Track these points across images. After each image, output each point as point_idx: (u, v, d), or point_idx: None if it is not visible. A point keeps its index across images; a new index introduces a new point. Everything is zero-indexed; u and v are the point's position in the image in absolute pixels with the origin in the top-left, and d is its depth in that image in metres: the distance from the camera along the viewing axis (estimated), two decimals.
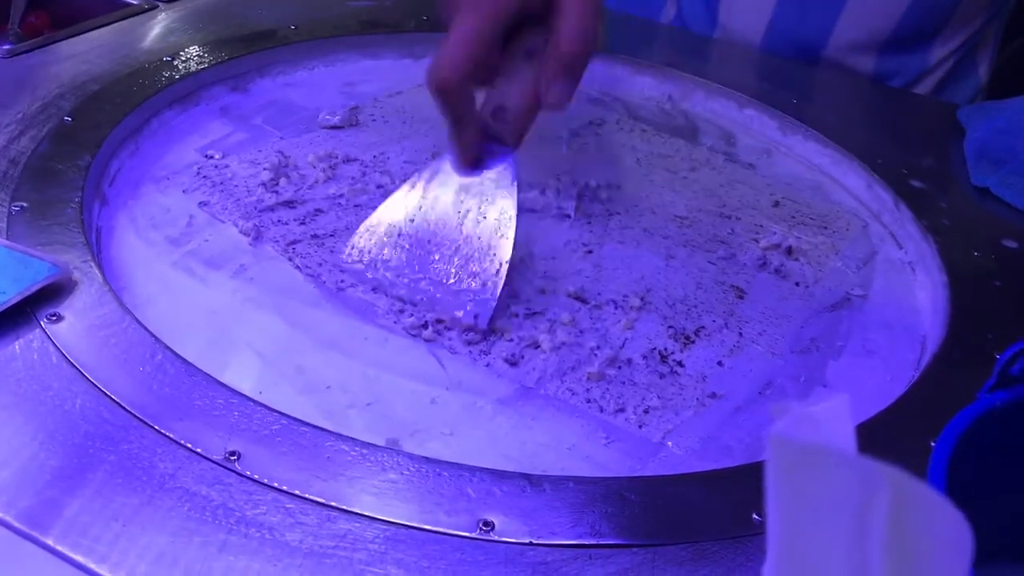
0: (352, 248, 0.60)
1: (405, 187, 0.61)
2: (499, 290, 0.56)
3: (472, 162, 0.58)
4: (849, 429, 0.20)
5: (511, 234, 0.57)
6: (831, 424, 0.19)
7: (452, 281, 0.57)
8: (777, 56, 0.94)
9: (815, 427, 0.19)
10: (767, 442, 0.18)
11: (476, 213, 0.58)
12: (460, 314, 0.56)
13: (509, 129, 0.57)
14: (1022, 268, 0.65)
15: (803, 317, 0.61)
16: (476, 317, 0.56)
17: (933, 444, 0.33)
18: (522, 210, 0.68)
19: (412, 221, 0.59)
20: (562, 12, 0.51)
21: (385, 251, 0.59)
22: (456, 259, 0.57)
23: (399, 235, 0.59)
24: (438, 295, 0.57)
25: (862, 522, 0.17)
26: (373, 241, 0.59)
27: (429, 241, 0.58)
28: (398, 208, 0.60)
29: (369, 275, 0.59)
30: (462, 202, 0.59)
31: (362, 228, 0.60)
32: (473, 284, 0.56)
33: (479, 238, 0.57)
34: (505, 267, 0.56)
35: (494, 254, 0.57)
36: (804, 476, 0.18)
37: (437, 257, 0.57)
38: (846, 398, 0.20)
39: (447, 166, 0.60)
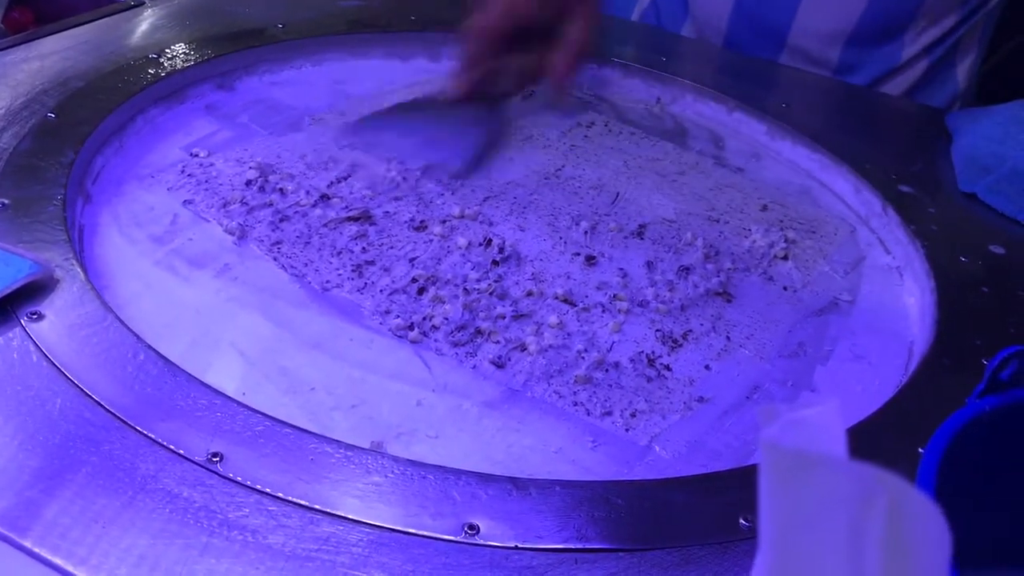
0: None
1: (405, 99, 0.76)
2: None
3: (463, 95, 0.71)
4: (840, 434, 0.19)
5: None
6: (822, 429, 0.19)
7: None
8: (743, 44, 0.94)
9: (806, 432, 0.18)
10: (760, 447, 0.18)
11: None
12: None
13: (510, 83, 0.72)
14: (1010, 274, 0.65)
15: (791, 321, 0.61)
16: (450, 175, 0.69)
17: (922, 450, 0.33)
18: (511, 211, 0.67)
19: (411, 118, 0.74)
20: (574, 18, 0.65)
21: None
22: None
23: (400, 123, 0.74)
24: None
25: (857, 528, 0.17)
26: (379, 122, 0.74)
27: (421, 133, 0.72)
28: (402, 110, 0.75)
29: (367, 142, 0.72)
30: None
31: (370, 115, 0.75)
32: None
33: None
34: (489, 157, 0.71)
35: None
36: (798, 481, 0.17)
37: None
38: (836, 403, 0.20)
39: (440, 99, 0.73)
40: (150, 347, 0.48)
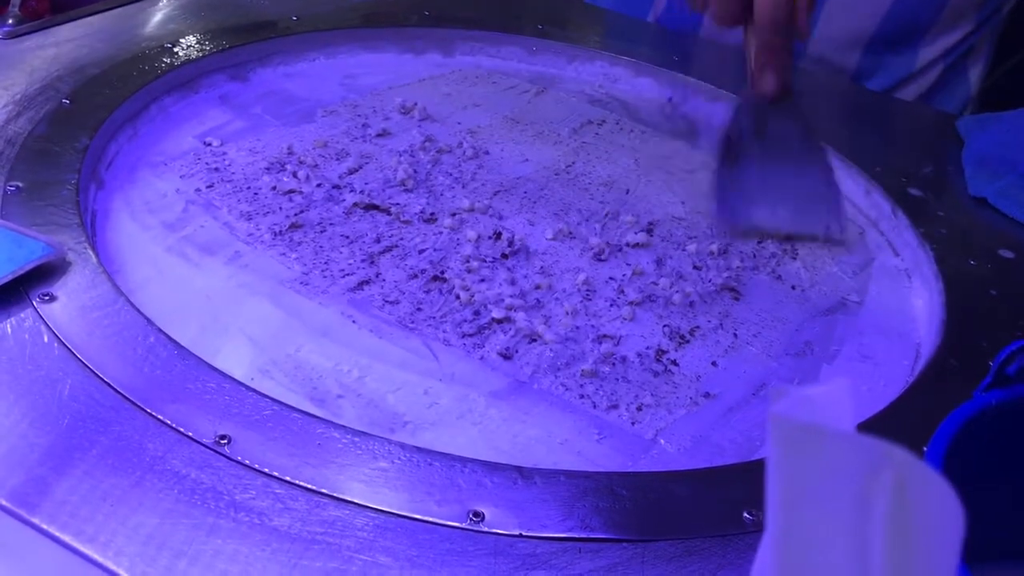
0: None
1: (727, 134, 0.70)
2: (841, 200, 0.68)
3: (779, 89, 0.66)
4: (849, 411, 0.19)
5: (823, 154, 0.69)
6: (831, 406, 0.19)
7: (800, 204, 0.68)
8: None
9: (815, 408, 0.19)
10: (769, 421, 0.18)
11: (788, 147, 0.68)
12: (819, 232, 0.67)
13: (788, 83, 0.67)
14: (1018, 278, 0.65)
15: (798, 320, 0.61)
16: (830, 228, 0.67)
17: (926, 449, 0.33)
18: (521, 205, 0.68)
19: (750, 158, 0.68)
20: None
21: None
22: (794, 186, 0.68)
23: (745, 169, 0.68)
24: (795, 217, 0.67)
25: (864, 501, 0.17)
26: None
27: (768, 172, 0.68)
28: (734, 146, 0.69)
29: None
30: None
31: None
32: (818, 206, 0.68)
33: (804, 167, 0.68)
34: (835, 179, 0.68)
35: (820, 174, 0.68)
36: (805, 455, 0.18)
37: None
38: (846, 381, 0.20)
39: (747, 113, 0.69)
40: (160, 330, 0.48)
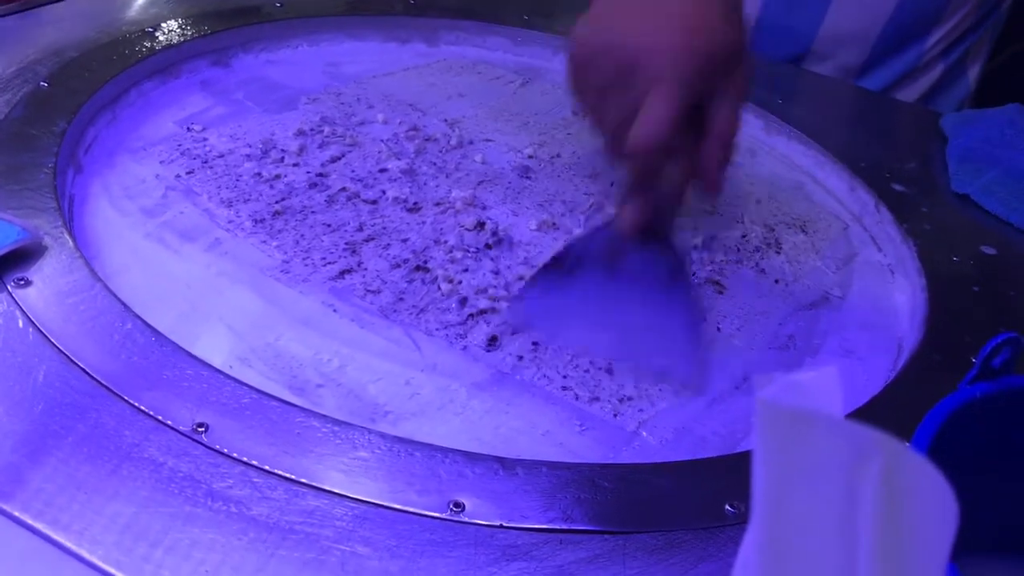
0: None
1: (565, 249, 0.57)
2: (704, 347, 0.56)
3: (637, 227, 0.55)
4: (838, 398, 0.19)
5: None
6: (819, 393, 0.18)
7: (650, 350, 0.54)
8: (767, 50, 0.94)
9: (803, 395, 0.18)
10: (756, 408, 0.18)
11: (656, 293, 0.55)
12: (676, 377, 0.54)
13: (671, 198, 0.55)
14: (1001, 274, 0.65)
15: (781, 314, 0.61)
16: (691, 380, 0.54)
17: (911, 441, 0.33)
18: (505, 196, 0.67)
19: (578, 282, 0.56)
20: (723, 95, 0.51)
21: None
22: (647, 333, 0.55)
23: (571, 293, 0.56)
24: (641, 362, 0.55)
25: (851, 488, 0.17)
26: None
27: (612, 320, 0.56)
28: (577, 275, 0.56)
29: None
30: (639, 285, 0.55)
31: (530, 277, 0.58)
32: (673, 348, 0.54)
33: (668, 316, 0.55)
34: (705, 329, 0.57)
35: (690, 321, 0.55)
36: (793, 441, 0.17)
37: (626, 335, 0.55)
38: (835, 369, 0.19)
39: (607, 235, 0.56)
40: (138, 317, 0.48)
